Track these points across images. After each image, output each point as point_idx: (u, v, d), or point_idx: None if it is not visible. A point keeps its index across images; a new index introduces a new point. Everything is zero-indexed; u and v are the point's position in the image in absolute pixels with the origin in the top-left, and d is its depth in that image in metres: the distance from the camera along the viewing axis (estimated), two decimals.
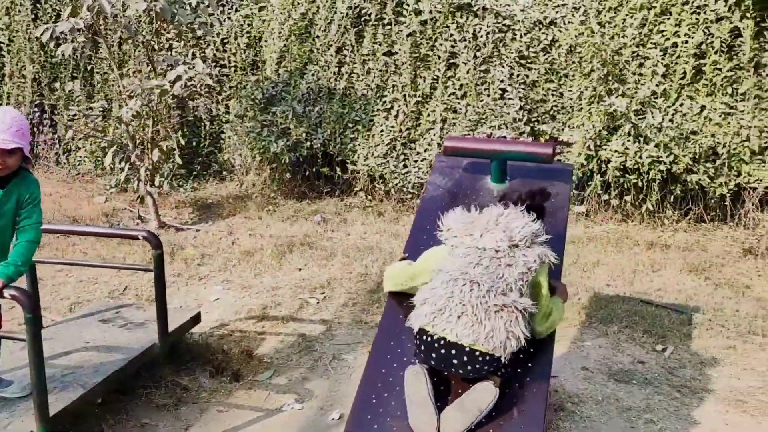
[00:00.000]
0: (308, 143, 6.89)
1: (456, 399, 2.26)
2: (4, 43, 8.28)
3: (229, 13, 7.66)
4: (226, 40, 7.68)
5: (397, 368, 2.43)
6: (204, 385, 3.61)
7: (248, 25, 7.63)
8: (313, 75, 7.03)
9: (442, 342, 2.25)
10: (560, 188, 3.02)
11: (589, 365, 3.81)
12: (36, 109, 8.18)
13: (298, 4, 7.07)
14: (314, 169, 7.11)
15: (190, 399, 3.49)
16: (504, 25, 6.45)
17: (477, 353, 2.22)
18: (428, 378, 2.29)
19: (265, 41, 7.49)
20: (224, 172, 7.67)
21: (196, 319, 3.81)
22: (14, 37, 8.23)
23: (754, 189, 5.54)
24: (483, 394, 2.24)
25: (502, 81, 6.41)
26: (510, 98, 6.40)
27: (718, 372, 3.70)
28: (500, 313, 2.23)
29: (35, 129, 8.04)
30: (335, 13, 6.91)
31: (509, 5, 6.39)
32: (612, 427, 3.23)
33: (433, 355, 2.28)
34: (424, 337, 2.30)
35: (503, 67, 6.43)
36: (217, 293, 4.82)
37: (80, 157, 7.93)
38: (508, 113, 6.34)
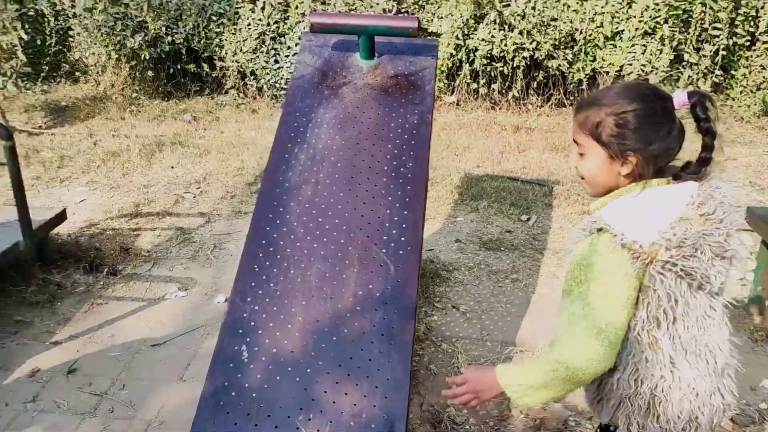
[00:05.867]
0: (169, 38, 6.46)
1: None
2: None
3: None
4: None
5: (278, 238, 2.44)
6: (79, 281, 3.47)
7: None
8: None
9: None
10: (426, 63, 3.12)
11: (461, 237, 4.06)
12: None
13: None
14: (179, 66, 6.72)
15: (65, 295, 3.36)
16: None
17: None
18: None
19: None
20: (77, 73, 7.05)
21: (61, 216, 3.59)
22: None
23: (607, 73, 5.94)
24: None
25: None
26: None
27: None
28: None
29: None
30: None
31: None
32: (482, 287, 3.50)
33: None
34: None
35: None
36: (82, 194, 4.55)
37: None
38: (378, 3, 6.26)
